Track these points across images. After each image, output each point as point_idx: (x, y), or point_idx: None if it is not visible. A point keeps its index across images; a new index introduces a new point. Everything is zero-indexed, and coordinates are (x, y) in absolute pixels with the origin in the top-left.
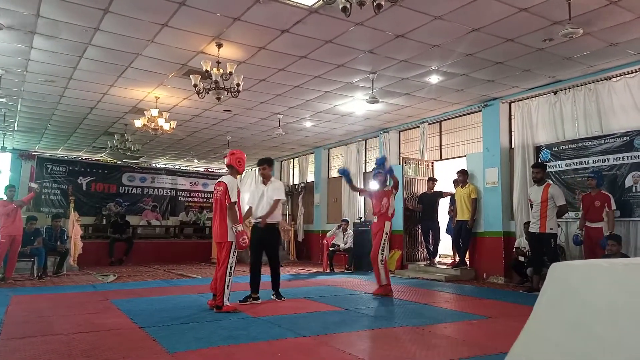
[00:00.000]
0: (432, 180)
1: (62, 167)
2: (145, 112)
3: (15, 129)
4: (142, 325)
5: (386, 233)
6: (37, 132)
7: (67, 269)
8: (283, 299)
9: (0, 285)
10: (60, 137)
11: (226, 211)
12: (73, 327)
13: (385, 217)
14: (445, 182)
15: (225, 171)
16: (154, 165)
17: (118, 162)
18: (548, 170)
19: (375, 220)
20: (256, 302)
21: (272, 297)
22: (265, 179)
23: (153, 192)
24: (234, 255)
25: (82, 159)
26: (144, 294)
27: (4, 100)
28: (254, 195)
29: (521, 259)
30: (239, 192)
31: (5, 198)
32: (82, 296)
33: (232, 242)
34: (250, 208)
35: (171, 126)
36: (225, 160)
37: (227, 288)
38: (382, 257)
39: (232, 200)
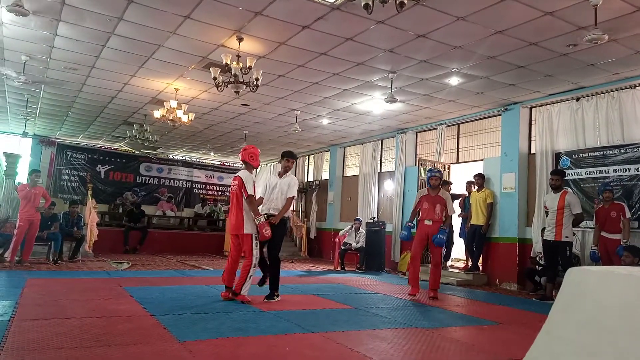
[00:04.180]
0: (446, 184)
1: (81, 155)
2: (164, 103)
3: (37, 115)
4: (153, 313)
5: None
6: (58, 119)
7: (82, 254)
8: (275, 299)
9: (16, 268)
10: (81, 124)
11: (242, 204)
12: (86, 312)
13: (440, 223)
14: (462, 185)
15: (241, 166)
16: (171, 156)
17: (136, 152)
18: (567, 177)
19: (429, 223)
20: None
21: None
22: (284, 172)
23: (169, 183)
24: (257, 247)
25: (101, 147)
26: (157, 282)
27: (27, 86)
28: (267, 186)
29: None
30: (254, 185)
31: (26, 182)
32: (95, 282)
33: (251, 234)
34: (260, 198)
35: (189, 118)
36: (240, 156)
37: (249, 279)
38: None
39: (249, 193)
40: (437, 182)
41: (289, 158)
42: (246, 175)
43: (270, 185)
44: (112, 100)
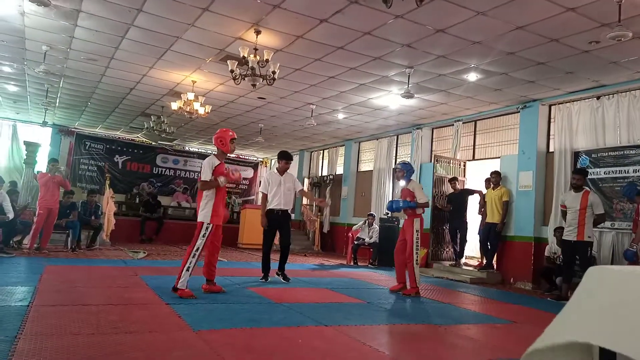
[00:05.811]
0: (454, 180)
1: (99, 145)
2: (181, 95)
3: (57, 105)
4: (168, 301)
5: (417, 231)
6: (77, 109)
7: (100, 243)
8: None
9: (35, 255)
10: (100, 115)
11: (202, 192)
12: (103, 299)
13: (413, 215)
14: (477, 183)
15: (257, 159)
16: (187, 148)
17: (153, 143)
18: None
19: (405, 217)
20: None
21: (276, 275)
22: (283, 171)
23: (185, 174)
24: (203, 237)
25: (119, 138)
26: (172, 272)
27: (47, 76)
28: (271, 183)
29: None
30: (213, 171)
31: (46, 171)
32: (112, 270)
33: (202, 222)
34: (265, 195)
35: (206, 110)
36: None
37: (187, 270)
38: (417, 256)
39: (202, 179)
40: (400, 174)
41: (288, 160)
42: (207, 161)
43: (274, 182)
44: (130, 92)
